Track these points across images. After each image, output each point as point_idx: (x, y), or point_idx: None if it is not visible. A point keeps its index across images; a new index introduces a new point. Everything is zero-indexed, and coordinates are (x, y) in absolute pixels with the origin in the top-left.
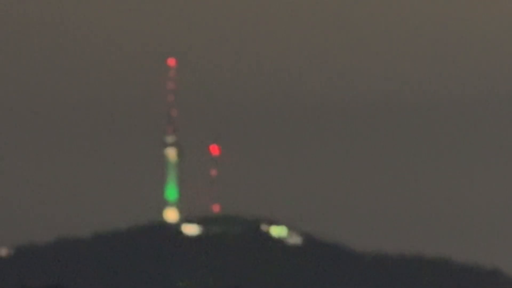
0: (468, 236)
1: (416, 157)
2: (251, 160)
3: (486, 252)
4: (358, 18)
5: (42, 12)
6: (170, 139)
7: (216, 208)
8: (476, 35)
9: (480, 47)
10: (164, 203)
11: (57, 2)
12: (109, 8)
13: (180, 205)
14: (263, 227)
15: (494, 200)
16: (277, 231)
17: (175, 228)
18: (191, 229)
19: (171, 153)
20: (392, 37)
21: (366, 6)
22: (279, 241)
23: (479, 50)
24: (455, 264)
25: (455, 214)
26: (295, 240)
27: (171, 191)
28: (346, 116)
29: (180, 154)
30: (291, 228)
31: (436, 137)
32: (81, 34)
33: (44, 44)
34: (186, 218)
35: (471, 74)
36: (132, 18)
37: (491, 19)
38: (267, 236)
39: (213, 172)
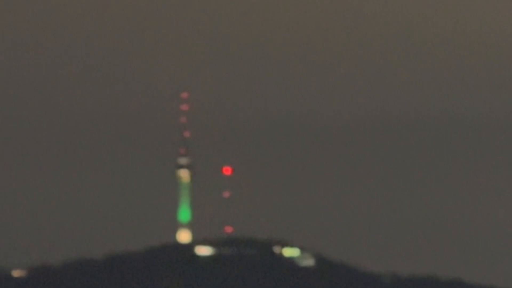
0: (482, 257)
1: (430, 177)
2: (264, 182)
3: (499, 273)
4: (356, 41)
5: (66, 36)
6: (183, 160)
7: (228, 230)
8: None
9: (481, 62)
10: (177, 225)
11: (80, 25)
12: (124, 31)
13: (193, 226)
14: (276, 248)
15: (508, 221)
16: (290, 252)
17: (188, 250)
18: (204, 251)
19: (184, 175)
20: (391, 56)
21: (366, 23)
22: (292, 263)
23: (478, 66)
24: (468, 285)
25: (468, 235)
26: (308, 261)
27: (184, 213)
28: (358, 138)
29: (193, 176)
30: (304, 249)
31: (450, 157)
32: (97, 55)
33: (62, 64)
34: (199, 239)
35: (473, 91)
36: (146, 40)
37: (490, 34)
38: (280, 258)
39: (226, 194)
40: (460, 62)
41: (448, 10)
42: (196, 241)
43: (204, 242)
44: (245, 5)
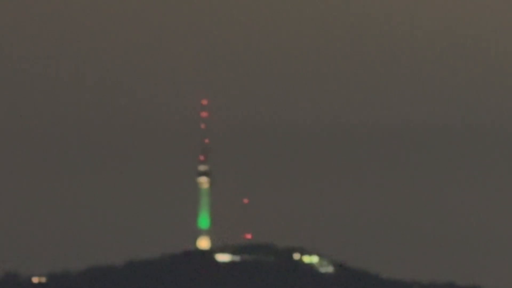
0: (500, 264)
1: (449, 185)
2: (283, 189)
3: None
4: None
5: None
6: (202, 167)
7: (248, 236)
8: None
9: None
10: (196, 231)
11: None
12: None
13: (212, 233)
14: (295, 255)
15: None
16: (309, 259)
17: (207, 256)
18: (223, 257)
19: (204, 182)
20: (398, 66)
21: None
22: (311, 270)
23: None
24: None
25: (486, 242)
26: (327, 268)
27: (204, 219)
28: (376, 145)
29: (212, 182)
30: (323, 256)
31: (470, 165)
32: (119, 63)
33: (84, 73)
34: (219, 246)
35: (478, 101)
36: (167, 47)
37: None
38: (299, 265)
39: (246, 201)
40: (463, 69)
41: (457, 18)
42: (215, 248)
43: (224, 248)
44: (265, 15)
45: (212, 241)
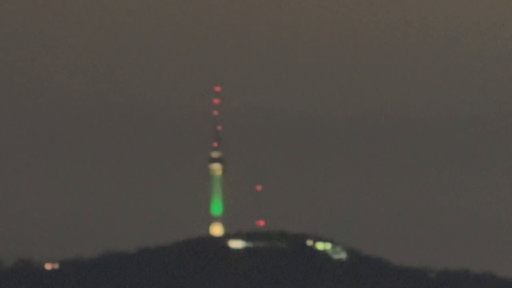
0: None
1: (462, 172)
2: (296, 175)
3: None
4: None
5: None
6: (215, 154)
7: (261, 223)
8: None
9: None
10: (209, 218)
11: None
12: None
13: (225, 219)
14: (308, 242)
15: None
16: (322, 246)
17: (220, 243)
18: (236, 244)
19: (217, 168)
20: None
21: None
22: (324, 256)
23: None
24: (499, 279)
25: (500, 230)
26: (340, 255)
27: (217, 206)
28: (389, 134)
29: (225, 169)
30: (336, 243)
31: (483, 152)
32: (132, 49)
33: (98, 57)
34: (232, 232)
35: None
36: (180, 34)
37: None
38: (312, 252)
39: (259, 188)
40: (462, 61)
41: (455, 12)
42: (228, 234)
43: (237, 235)
44: (279, 3)
45: (225, 227)
